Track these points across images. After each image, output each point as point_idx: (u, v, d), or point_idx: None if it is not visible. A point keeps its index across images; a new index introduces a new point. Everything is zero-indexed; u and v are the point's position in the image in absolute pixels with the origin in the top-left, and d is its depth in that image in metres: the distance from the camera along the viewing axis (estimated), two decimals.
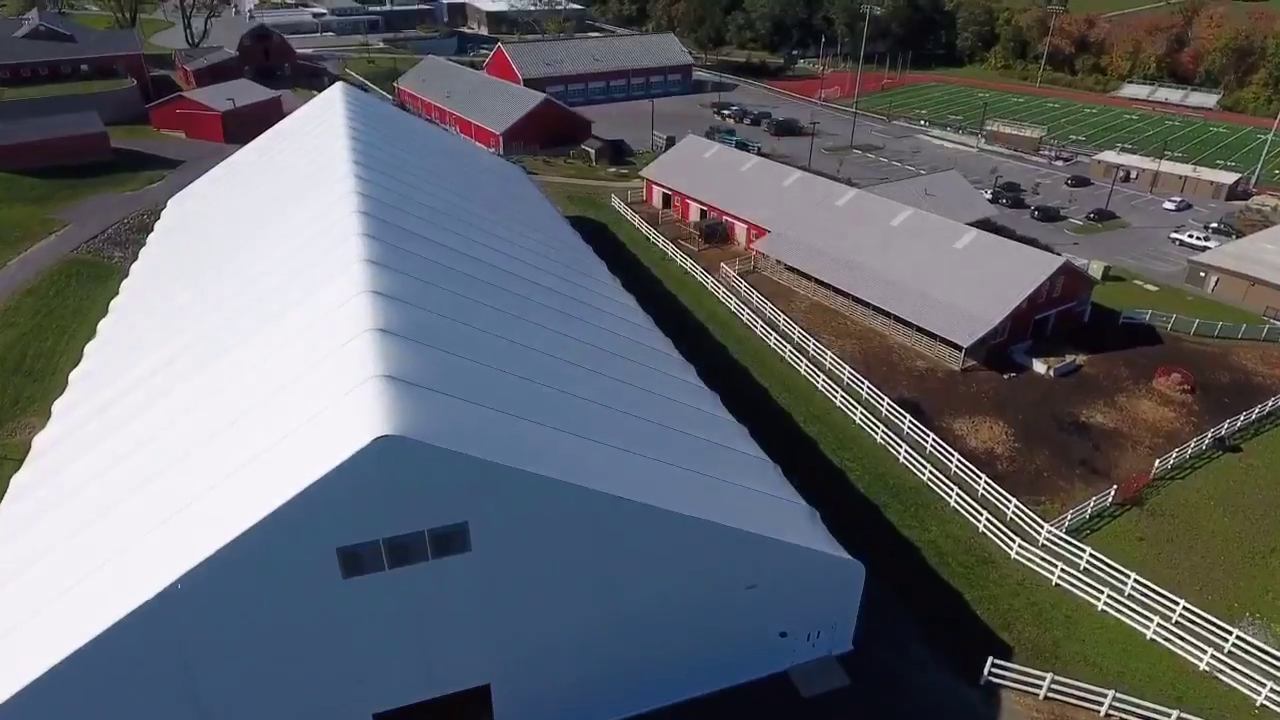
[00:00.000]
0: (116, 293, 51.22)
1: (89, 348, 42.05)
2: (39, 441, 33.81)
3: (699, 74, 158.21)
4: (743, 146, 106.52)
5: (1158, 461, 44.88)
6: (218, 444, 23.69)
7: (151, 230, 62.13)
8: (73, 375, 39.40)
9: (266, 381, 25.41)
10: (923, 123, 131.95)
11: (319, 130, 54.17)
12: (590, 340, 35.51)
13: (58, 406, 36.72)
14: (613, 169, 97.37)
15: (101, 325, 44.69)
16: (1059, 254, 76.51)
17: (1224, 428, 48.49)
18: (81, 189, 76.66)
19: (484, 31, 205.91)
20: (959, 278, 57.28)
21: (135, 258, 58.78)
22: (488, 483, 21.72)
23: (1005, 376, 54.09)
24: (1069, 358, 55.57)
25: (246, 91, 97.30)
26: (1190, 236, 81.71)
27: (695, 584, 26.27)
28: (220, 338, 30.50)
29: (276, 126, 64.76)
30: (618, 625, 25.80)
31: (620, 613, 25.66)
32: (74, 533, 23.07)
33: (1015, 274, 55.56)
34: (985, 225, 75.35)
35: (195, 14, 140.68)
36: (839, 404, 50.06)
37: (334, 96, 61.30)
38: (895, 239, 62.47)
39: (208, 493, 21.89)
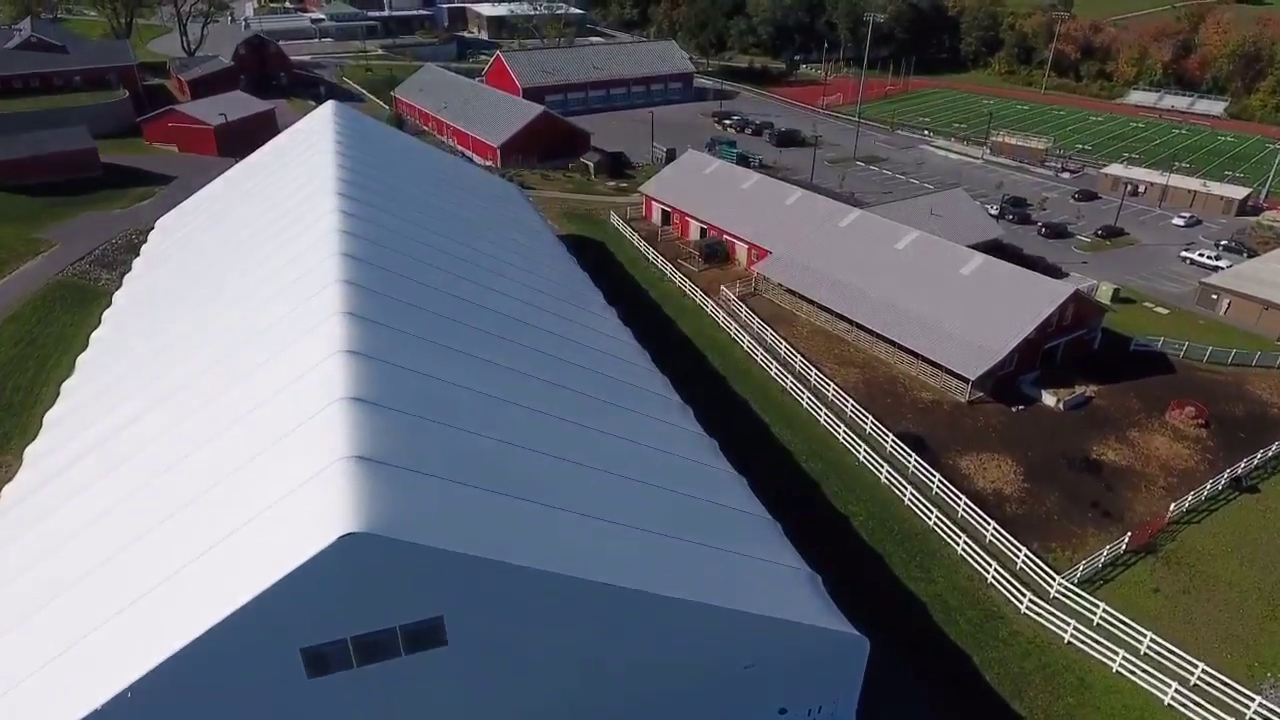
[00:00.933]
0: (99, 321, 49.98)
1: (66, 385, 40.64)
2: (9, 492, 32.37)
3: (700, 81, 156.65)
4: (743, 159, 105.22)
5: (1172, 506, 43.26)
6: (175, 526, 22.19)
7: (139, 251, 60.84)
8: (47, 418, 37.93)
9: (231, 454, 23.89)
10: (926, 133, 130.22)
11: (307, 154, 52.68)
12: (582, 388, 33.98)
13: (30, 453, 35.36)
14: (612, 183, 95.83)
15: (80, 360, 43.19)
16: (1068, 273, 75.21)
17: (1240, 467, 46.85)
18: (70, 207, 75.23)
19: (484, 36, 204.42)
20: (965, 305, 55.67)
21: (122, 280, 57.53)
22: (464, 575, 20.22)
23: (1013, 409, 52.49)
24: (1079, 389, 53.96)
25: (239, 104, 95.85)
26: (1201, 255, 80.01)
27: (689, 667, 24.72)
28: (189, 396, 28.99)
29: (267, 145, 63.24)
30: (606, 714, 24.27)
31: (608, 701, 24.12)
32: (15, 624, 21.56)
33: (1023, 302, 53.94)
34: (993, 246, 73.87)
35: (192, 20, 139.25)
36: (841, 439, 48.49)
37: (325, 116, 59.82)
38: (900, 263, 60.87)
39: (162, 585, 20.39)
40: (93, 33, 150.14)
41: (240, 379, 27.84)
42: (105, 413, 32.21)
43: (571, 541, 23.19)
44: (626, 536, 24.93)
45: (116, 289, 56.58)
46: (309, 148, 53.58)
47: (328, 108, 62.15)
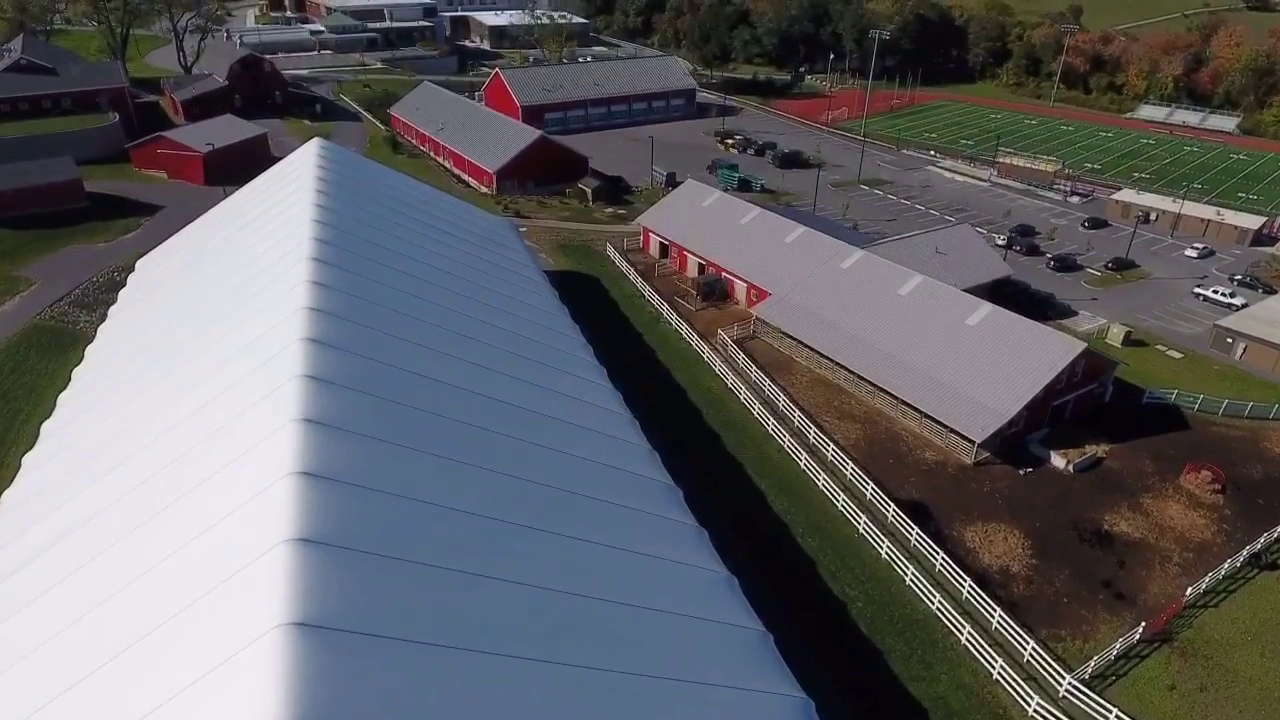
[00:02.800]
0: (80, 359, 48.18)
1: (27, 459, 38.82)
2: None
3: (703, 95, 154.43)
4: (745, 184, 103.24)
5: (1189, 590, 41.05)
6: (92, 687, 20.18)
7: (122, 285, 59.09)
8: (5, 498, 36.13)
9: (162, 599, 21.89)
10: (933, 153, 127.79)
11: (286, 203, 50.75)
12: (558, 482, 31.96)
13: None
14: (610, 209, 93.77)
15: (45, 428, 41.35)
16: (1078, 312, 72.91)
17: (1260, 542, 44.61)
18: (52, 240, 73.52)
19: (486, 46, 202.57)
20: (972, 359, 53.50)
21: (100, 321, 55.73)
22: None
23: (1021, 472, 50.32)
24: (1089, 449, 51.74)
25: (230, 129, 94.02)
26: (1215, 292, 77.58)
27: None
28: (133, 505, 27.08)
29: (252, 184, 61.34)
30: None
31: None
32: None
33: (1032, 359, 51.72)
34: (1001, 285, 71.73)
35: (188, 35, 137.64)
36: (840, 508, 46.36)
37: (309, 157, 57.84)
38: (904, 310, 58.70)
39: None
40: (89, 45, 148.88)
41: (187, 494, 25.88)
42: (51, 510, 30.37)
43: (525, 700, 21.14)
44: (592, 683, 22.88)
45: (95, 332, 55.00)
46: (289, 195, 51.64)
47: (313, 146, 60.19)
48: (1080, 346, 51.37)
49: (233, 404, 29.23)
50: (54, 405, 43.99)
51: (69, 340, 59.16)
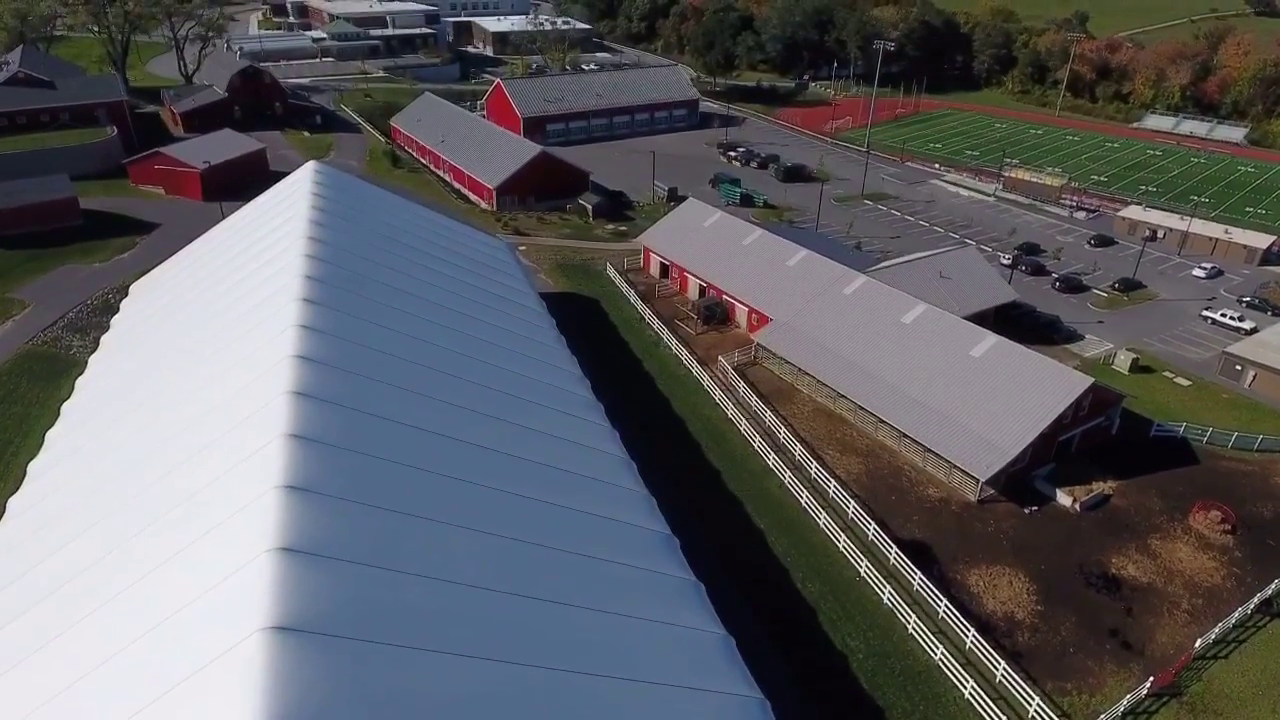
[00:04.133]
0: (70, 392, 47.51)
1: (13, 503, 38.06)
2: None
3: (706, 105, 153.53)
4: (748, 200, 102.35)
5: (1198, 642, 40.05)
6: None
7: (115, 309, 58.40)
8: None
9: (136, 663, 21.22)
10: (937, 165, 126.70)
11: (280, 232, 49.94)
12: (551, 541, 31.09)
13: None
14: (611, 226, 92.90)
15: (31, 468, 40.58)
16: (1084, 336, 71.83)
17: (1271, 589, 43.60)
18: (47, 260, 72.83)
19: (489, 52, 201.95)
20: (976, 393, 52.54)
21: (93, 346, 55.20)
22: None
23: (1026, 511, 49.35)
24: (1096, 487, 50.73)
25: (228, 144, 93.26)
26: (1223, 315, 76.49)
27: None
28: (115, 553, 26.62)
29: (246, 208, 60.54)
30: None
31: None
32: None
33: (1038, 394, 50.71)
34: (1006, 310, 70.71)
35: (189, 43, 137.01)
36: (842, 549, 45.43)
37: (303, 183, 57.00)
38: (907, 340, 57.74)
39: None
40: (91, 53, 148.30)
41: (154, 573, 25.10)
42: (42, 557, 29.76)
43: None
44: None
45: (87, 358, 54.42)
46: (282, 225, 50.82)
47: (309, 171, 59.37)
48: (1087, 382, 50.33)
49: (213, 467, 28.35)
50: (42, 442, 43.36)
51: (61, 366, 58.45)
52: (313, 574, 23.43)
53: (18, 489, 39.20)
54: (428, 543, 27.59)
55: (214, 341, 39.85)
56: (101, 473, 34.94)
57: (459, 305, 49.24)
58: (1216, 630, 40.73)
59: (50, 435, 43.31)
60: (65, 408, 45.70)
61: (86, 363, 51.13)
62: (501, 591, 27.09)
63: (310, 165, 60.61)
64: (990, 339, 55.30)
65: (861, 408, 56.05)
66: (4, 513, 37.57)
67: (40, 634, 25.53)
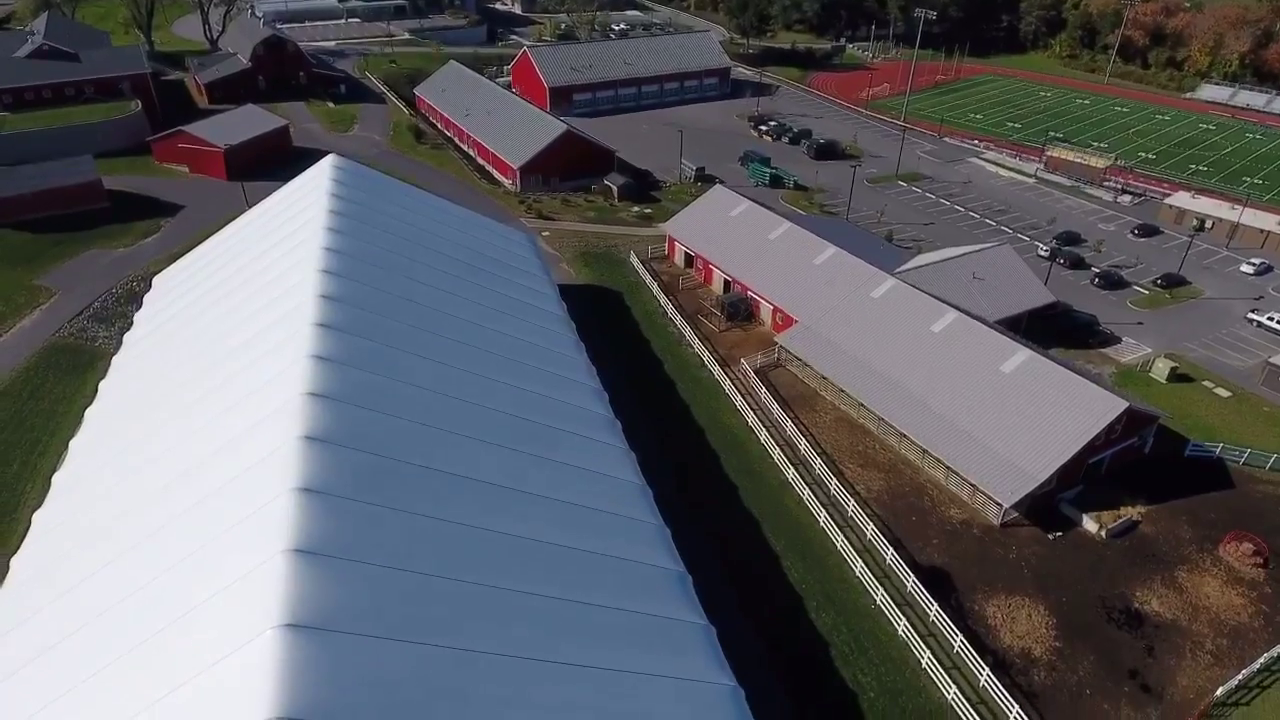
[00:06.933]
0: (94, 392, 48.42)
1: (37, 518, 38.85)
2: None
3: (738, 71, 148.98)
4: (777, 180, 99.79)
5: (1219, 689, 39.15)
6: None
7: (139, 301, 59.04)
8: (14, 563, 36.24)
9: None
10: (976, 142, 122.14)
11: (296, 238, 49.57)
12: (560, 592, 30.94)
13: (16, 563, 34.94)
14: (636, 208, 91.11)
15: (56, 481, 41.27)
16: (1121, 339, 69.27)
17: None
18: (72, 245, 73.26)
19: (517, 10, 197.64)
20: (1004, 411, 51.13)
21: (119, 338, 56.19)
22: None
23: (1050, 536, 48.30)
24: (1124, 513, 49.40)
25: (251, 121, 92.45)
26: (1270, 319, 73.37)
27: None
28: (130, 565, 27.85)
29: (264, 206, 60.06)
30: None
31: None
32: None
33: (1069, 416, 49.17)
34: (1041, 310, 68.37)
35: (214, 8, 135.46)
36: (859, 575, 44.90)
37: (321, 181, 56.27)
38: (935, 350, 56.20)
39: None
40: (116, 14, 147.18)
41: (184, 558, 26.22)
42: (61, 570, 31.00)
43: None
44: None
45: (112, 349, 55.37)
46: (300, 229, 50.39)
47: (327, 167, 58.58)
48: (1121, 406, 48.61)
49: (220, 522, 28.42)
50: (66, 449, 44.07)
51: (86, 359, 59.19)
52: (325, 574, 24.37)
53: (43, 499, 40.13)
54: (431, 614, 27.60)
55: (228, 366, 39.83)
56: (123, 492, 35.59)
57: (478, 317, 48.67)
58: (1240, 676, 39.76)
59: (74, 444, 43.96)
60: (88, 413, 46.28)
61: (110, 361, 51.70)
62: (502, 654, 27.08)
63: (329, 161, 59.80)
64: (1022, 354, 53.55)
65: (885, 420, 54.92)
66: (31, 526, 38.56)
67: (63, 632, 26.90)
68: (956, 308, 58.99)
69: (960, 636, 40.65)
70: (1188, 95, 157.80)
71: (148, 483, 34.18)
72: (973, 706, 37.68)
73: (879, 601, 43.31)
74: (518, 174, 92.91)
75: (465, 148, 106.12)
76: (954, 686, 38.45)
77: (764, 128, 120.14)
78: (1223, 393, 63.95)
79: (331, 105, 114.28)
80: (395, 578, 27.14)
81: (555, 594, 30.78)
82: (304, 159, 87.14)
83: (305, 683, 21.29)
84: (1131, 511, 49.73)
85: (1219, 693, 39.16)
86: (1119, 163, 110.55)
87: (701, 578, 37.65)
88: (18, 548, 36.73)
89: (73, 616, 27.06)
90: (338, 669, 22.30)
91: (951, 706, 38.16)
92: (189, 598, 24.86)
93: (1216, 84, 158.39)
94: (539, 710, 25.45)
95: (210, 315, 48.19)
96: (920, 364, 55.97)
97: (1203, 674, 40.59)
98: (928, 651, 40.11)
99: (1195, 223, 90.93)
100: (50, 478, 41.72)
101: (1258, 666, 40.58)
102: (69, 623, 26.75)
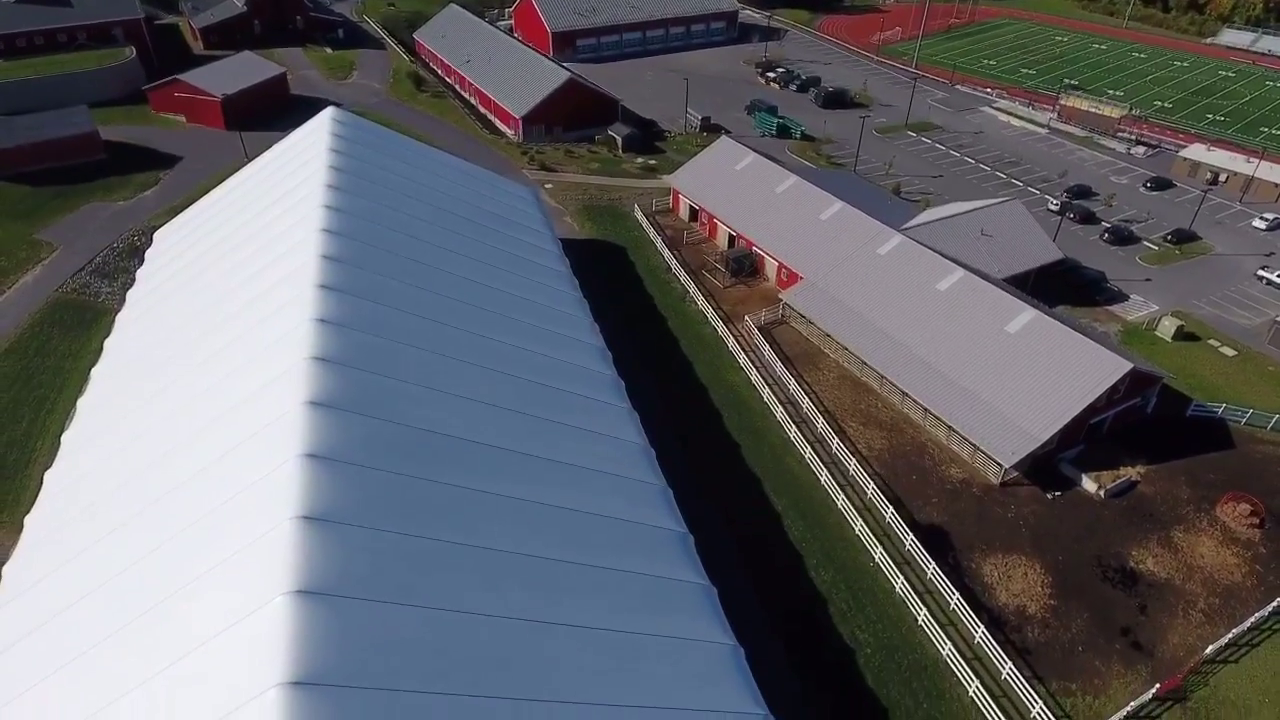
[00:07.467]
0: (99, 349, 48.77)
1: (49, 477, 39.43)
2: (9, 572, 32.44)
3: (746, 14, 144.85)
4: (784, 130, 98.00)
5: (1209, 647, 39.97)
6: None
7: (140, 256, 59.03)
8: (28, 520, 36.92)
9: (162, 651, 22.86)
10: (989, 90, 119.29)
11: (297, 194, 49.08)
12: (562, 551, 31.50)
13: (30, 521, 35.66)
14: (640, 159, 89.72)
15: (65, 439, 41.79)
16: (1129, 296, 68.79)
17: None
18: (71, 198, 72.60)
19: None
20: (1008, 371, 51.14)
21: (121, 293, 56.61)
22: None
23: (1049, 495, 48.76)
24: (1123, 472, 49.74)
25: (248, 69, 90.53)
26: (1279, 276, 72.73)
27: None
28: (139, 530, 28.70)
29: (265, 160, 59.26)
30: None
31: None
32: None
33: (1073, 377, 49.17)
34: (1049, 266, 67.72)
35: None
36: (858, 533, 45.57)
37: (321, 135, 55.39)
38: (940, 309, 55.93)
39: None
40: None
41: (191, 526, 26.99)
42: (71, 537, 31.56)
43: None
44: None
45: (115, 305, 55.58)
46: (300, 185, 49.85)
47: (326, 120, 57.60)
48: (1126, 368, 48.52)
49: (227, 487, 28.77)
50: (74, 409, 44.50)
51: (91, 315, 59.28)
52: (333, 540, 25.21)
53: (53, 458, 40.67)
54: (436, 563, 28.12)
55: (232, 328, 39.86)
56: (132, 455, 36.01)
57: (481, 276, 48.45)
58: (1230, 635, 40.56)
59: (81, 403, 44.33)
60: (95, 373, 46.57)
61: (114, 318, 51.80)
62: (512, 617, 27.68)
63: (328, 114, 58.77)
64: (1027, 314, 53.28)
65: (888, 378, 54.98)
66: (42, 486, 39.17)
67: (73, 597, 27.71)
68: (963, 265, 58.52)
69: (957, 594, 41.43)
70: (1208, 40, 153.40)
71: (155, 446, 34.60)
72: (967, 662, 38.58)
73: (878, 559, 44.04)
74: (520, 124, 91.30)
75: (466, 96, 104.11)
76: (949, 643, 39.35)
77: (771, 74, 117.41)
78: (1228, 351, 63.72)
79: (329, 51, 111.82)
80: (401, 542, 27.61)
81: (558, 556, 31.34)
82: (302, 108, 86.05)
83: (315, 648, 21.87)
84: (1131, 472, 50.09)
85: (1208, 651, 40.01)
86: (1134, 112, 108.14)
87: (703, 537, 38.32)
88: (30, 506, 37.39)
89: (83, 581, 27.67)
90: (346, 634, 22.88)
91: (947, 662, 39.10)
92: (198, 563, 25.38)
93: (1239, 29, 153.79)
94: (544, 671, 26.09)
95: (213, 274, 48.02)
96: (925, 322, 55.77)
97: (1193, 632, 41.40)
98: (924, 609, 40.94)
99: (1209, 176, 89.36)
100: (60, 436, 42.21)
101: (1247, 625, 41.34)
102: (79, 587, 27.37)
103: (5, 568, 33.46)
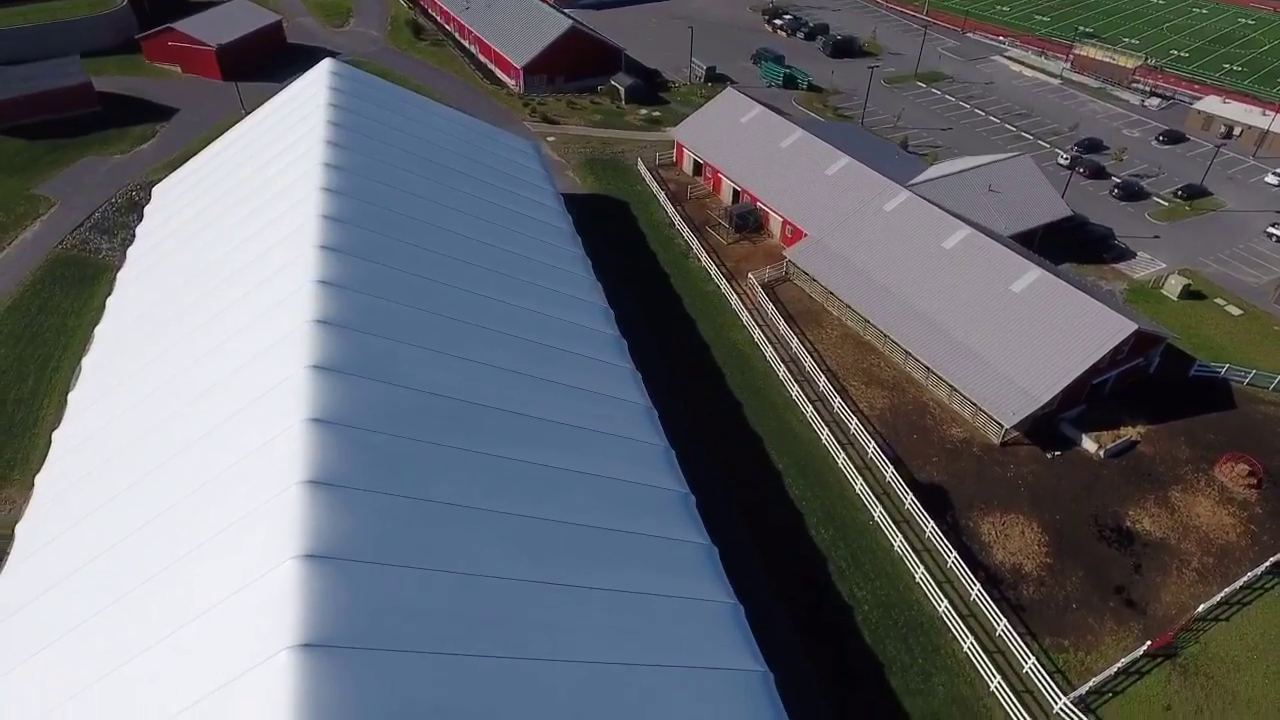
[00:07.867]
0: (102, 306, 48.87)
1: (56, 435, 39.81)
2: (22, 531, 33.01)
3: None
4: (790, 81, 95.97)
5: (1200, 607, 40.68)
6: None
7: (140, 211, 58.67)
8: (39, 480, 37.41)
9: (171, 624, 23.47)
10: (1002, 39, 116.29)
11: (296, 149, 48.44)
12: (564, 515, 31.92)
13: (40, 481, 36.20)
14: (644, 111, 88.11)
15: (71, 399, 42.05)
16: (1136, 253, 68.16)
17: None
18: (67, 151, 71.67)
19: None
20: (1012, 331, 51.02)
21: (121, 249, 56.49)
22: None
23: (1048, 455, 49.11)
24: (1124, 433, 49.99)
25: (244, 16, 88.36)
26: None
27: None
28: (146, 493, 29.25)
29: (262, 114, 58.31)
30: None
31: None
32: None
33: (1077, 337, 49.07)
34: (1058, 225, 66.95)
35: None
36: (858, 492, 46.06)
37: (319, 88, 54.41)
38: (945, 267, 55.54)
39: None
40: None
41: (196, 494, 27.45)
42: (79, 502, 32.03)
43: None
44: None
45: (116, 261, 55.48)
46: (299, 140, 49.16)
47: (324, 72, 56.50)
48: (1130, 329, 48.34)
49: (233, 452, 29.04)
50: (80, 370, 44.65)
51: (92, 272, 59.10)
52: (340, 504, 25.57)
53: (60, 418, 40.99)
54: (443, 528, 28.52)
55: (234, 289, 39.73)
56: (137, 417, 36.28)
57: (482, 233, 48.08)
58: (1222, 594, 41.24)
59: (86, 363, 44.48)
60: (98, 332, 46.62)
61: (116, 276, 51.64)
62: (512, 578, 28.19)
63: (326, 66, 57.64)
64: (1033, 273, 52.88)
65: (891, 337, 54.90)
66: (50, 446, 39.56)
67: (82, 560, 28.35)
68: (970, 223, 57.91)
69: (954, 552, 42.06)
70: None
71: (160, 408, 34.80)
72: (962, 619, 39.37)
73: (877, 518, 44.60)
74: (521, 74, 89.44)
75: (466, 44, 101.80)
76: (945, 600, 40.09)
77: (778, 22, 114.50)
78: (1234, 310, 63.42)
79: None
80: (407, 505, 27.98)
81: (560, 517, 31.76)
82: (299, 57, 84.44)
83: (324, 611, 22.35)
84: (1131, 432, 50.32)
85: (1200, 609, 40.74)
86: (1149, 62, 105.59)
87: (704, 496, 38.83)
88: (40, 465, 37.85)
89: (91, 544, 28.15)
90: (355, 597, 23.34)
91: (943, 618, 39.90)
92: (205, 528, 25.78)
93: None
94: (548, 631, 26.66)
95: (212, 232, 47.68)
96: (930, 281, 55.44)
97: (1186, 591, 42.09)
98: (921, 567, 41.61)
99: (1223, 130, 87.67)
100: (66, 396, 42.48)
101: (1240, 584, 42.02)
102: (87, 550, 27.86)
103: (18, 527, 34.08)
